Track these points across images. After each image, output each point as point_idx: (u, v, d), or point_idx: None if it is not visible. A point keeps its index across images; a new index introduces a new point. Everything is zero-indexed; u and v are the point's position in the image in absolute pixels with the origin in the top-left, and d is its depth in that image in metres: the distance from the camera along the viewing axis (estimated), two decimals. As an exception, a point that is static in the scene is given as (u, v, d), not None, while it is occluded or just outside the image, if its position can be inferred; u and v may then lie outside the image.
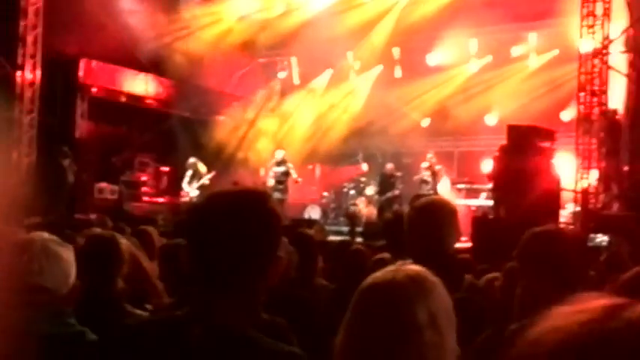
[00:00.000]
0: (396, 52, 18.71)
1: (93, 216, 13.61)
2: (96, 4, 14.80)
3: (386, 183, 16.23)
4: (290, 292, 3.77)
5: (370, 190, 17.15)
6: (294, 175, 15.58)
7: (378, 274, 1.77)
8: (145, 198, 17.15)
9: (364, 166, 18.52)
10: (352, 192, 17.79)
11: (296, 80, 20.22)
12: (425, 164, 15.63)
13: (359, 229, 13.27)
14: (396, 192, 15.94)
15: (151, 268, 4.20)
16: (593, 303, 0.77)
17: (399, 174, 16.46)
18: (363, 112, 19.21)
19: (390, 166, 16.61)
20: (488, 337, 2.85)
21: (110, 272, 3.38)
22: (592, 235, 10.58)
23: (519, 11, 16.20)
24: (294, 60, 19.99)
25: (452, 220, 3.17)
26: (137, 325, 1.89)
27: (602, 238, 10.62)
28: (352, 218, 14.88)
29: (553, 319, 0.78)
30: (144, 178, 17.53)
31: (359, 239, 10.79)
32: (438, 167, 15.57)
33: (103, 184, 15.82)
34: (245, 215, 1.79)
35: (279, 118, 19.94)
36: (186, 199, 15.02)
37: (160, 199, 17.41)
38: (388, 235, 4.42)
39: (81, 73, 16.02)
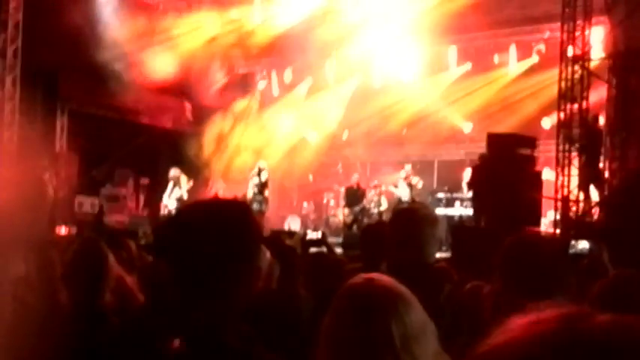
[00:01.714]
0: (374, 61, 18.76)
1: (73, 230, 13.54)
2: (75, 18, 14.74)
3: (353, 195, 16.22)
4: (271, 304, 3.74)
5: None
6: (269, 187, 15.54)
7: (351, 284, 1.76)
8: (126, 211, 17.04)
9: (344, 176, 18.50)
10: (332, 202, 17.77)
11: (275, 91, 20.22)
12: (402, 174, 15.64)
13: (339, 239, 13.26)
14: (366, 204, 15.97)
15: (130, 280, 4.17)
16: (549, 313, 0.74)
17: (375, 183, 16.55)
18: (342, 121, 19.23)
19: (355, 177, 16.65)
20: (469, 344, 2.84)
21: (98, 286, 3.35)
22: (573, 242, 10.62)
23: (499, 18, 16.29)
24: (273, 71, 20.00)
25: (432, 229, 3.16)
26: (115, 334, 1.87)
27: (583, 245, 10.66)
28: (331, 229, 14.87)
29: (508, 330, 0.75)
30: (124, 191, 17.43)
31: (338, 250, 10.76)
32: (414, 180, 15.57)
33: (83, 198, 15.70)
34: (223, 226, 1.79)
35: (259, 129, 19.91)
36: (165, 211, 14.92)
37: (141, 212, 17.31)
38: (363, 245, 4.41)
39: (60, 87, 15.93)
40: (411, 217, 3.19)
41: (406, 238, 3.10)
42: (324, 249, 7.58)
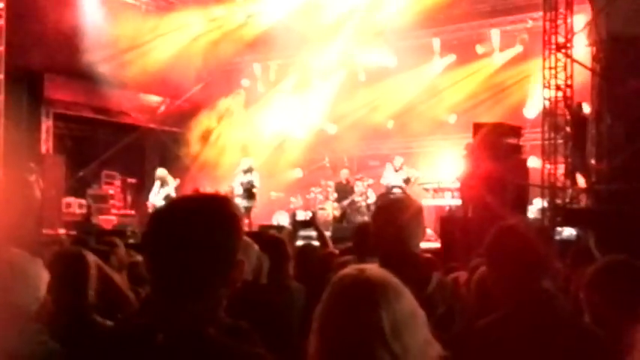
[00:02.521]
0: (359, 55, 18.80)
1: (62, 231, 13.51)
2: (59, 20, 14.69)
3: (343, 190, 16.28)
4: (262, 297, 3.77)
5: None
6: (257, 184, 15.54)
7: (343, 276, 1.78)
8: (113, 211, 17.04)
9: (330, 171, 18.51)
10: (320, 197, 17.79)
11: (260, 87, 20.21)
12: (396, 163, 15.64)
13: (328, 233, 13.24)
14: (354, 197, 16.02)
15: (119, 279, 4.19)
16: None
17: (360, 176, 16.60)
18: (328, 116, 19.25)
19: (344, 172, 16.71)
20: (458, 332, 2.87)
21: (79, 287, 3.34)
22: (560, 229, 10.69)
23: (482, 8, 16.34)
24: (257, 67, 19.99)
25: (417, 220, 3.17)
26: (101, 335, 1.88)
27: (570, 232, 10.72)
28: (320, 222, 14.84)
29: None
30: (111, 191, 17.44)
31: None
32: (411, 172, 15.55)
33: (71, 199, 15.68)
34: (205, 220, 1.78)
35: (245, 126, 19.90)
36: (152, 210, 14.91)
37: (128, 212, 17.29)
38: (356, 238, 4.43)
39: (45, 89, 15.87)
40: (394, 209, 3.21)
41: (390, 230, 3.12)
42: (314, 232, 7.63)
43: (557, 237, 9.90)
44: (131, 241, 9.41)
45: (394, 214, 3.15)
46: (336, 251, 5.62)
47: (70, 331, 2.73)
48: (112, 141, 17.06)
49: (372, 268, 1.82)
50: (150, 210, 14.95)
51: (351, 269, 1.81)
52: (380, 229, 3.19)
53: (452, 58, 17.90)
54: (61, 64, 15.34)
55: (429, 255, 4.72)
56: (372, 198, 16.06)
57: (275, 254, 4.34)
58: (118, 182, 17.77)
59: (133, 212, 17.30)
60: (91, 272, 3.42)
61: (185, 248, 1.76)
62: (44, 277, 2.53)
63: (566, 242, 8.86)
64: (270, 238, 4.70)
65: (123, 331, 1.83)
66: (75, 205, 15.68)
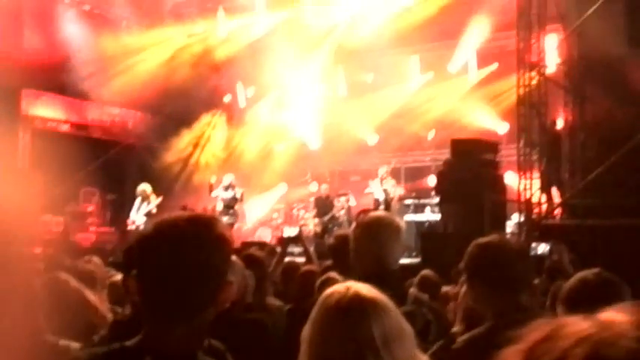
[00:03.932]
0: (339, 71, 18.95)
1: (38, 249, 13.37)
2: (38, 36, 14.64)
3: (322, 205, 16.32)
4: (247, 316, 3.78)
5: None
6: (240, 197, 15.54)
7: (332, 292, 1.83)
8: (92, 228, 16.86)
9: (313, 186, 18.54)
10: (302, 212, 17.82)
11: (242, 103, 20.24)
12: (380, 172, 15.57)
13: (311, 249, 13.23)
14: (335, 213, 16.06)
15: (97, 299, 4.15)
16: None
17: (343, 191, 16.67)
18: (309, 131, 19.33)
19: (324, 187, 16.76)
20: (441, 347, 2.93)
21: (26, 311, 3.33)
22: (534, 245, 10.80)
23: (458, 28, 16.56)
24: (238, 83, 20.03)
25: (396, 237, 3.23)
26: (87, 357, 1.88)
27: (544, 247, 10.83)
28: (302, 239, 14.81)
29: (556, 336, 0.75)
30: (90, 208, 17.24)
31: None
32: (390, 183, 15.54)
33: (48, 216, 15.51)
34: (194, 242, 1.77)
35: (226, 142, 19.91)
36: (132, 227, 14.82)
37: (108, 229, 17.15)
38: (334, 255, 4.46)
39: (23, 104, 15.76)
40: (374, 226, 3.27)
41: (370, 247, 3.18)
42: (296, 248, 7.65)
43: (532, 252, 9.99)
44: (111, 259, 9.32)
45: (373, 231, 3.21)
46: (316, 268, 5.65)
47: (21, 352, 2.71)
48: (91, 157, 16.95)
49: (358, 284, 1.87)
50: (130, 227, 14.86)
51: (337, 286, 1.87)
52: (360, 246, 3.24)
53: (430, 75, 18.09)
54: (39, 80, 15.24)
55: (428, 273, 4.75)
56: (352, 213, 16.06)
57: (256, 273, 4.36)
58: (96, 199, 17.60)
59: (112, 229, 17.15)
60: (37, 293, 3.39)
61: (174, 270, 1.75)
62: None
63: (542, 257, 8.96)
64: (248, 256, 4.71)
65: (107, 353, 1.82)
66: (52, 223, 15.52)
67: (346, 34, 17.96)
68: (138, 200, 15.10)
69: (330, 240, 5.33)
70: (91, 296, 4.07)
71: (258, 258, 4.64)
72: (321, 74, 18.79)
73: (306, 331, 1.82)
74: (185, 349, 1.77)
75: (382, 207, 14.69)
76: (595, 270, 2.95)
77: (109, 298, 4.73)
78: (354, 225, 3.57)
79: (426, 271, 5.73)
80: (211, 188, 16.07)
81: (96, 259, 5.65)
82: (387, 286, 1.94)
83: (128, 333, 1.84)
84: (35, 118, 16.19)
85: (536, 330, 0.78)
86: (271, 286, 5.54)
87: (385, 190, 15.14)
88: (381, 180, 15.31)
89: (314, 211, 16.67)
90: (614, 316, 0.75)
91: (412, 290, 3.25)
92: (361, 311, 1.75)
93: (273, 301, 4.66)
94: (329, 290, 1.85)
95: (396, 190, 15.43)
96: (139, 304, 1.89)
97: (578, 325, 0.75)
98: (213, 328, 1.88)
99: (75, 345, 3.45)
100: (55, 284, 3.69)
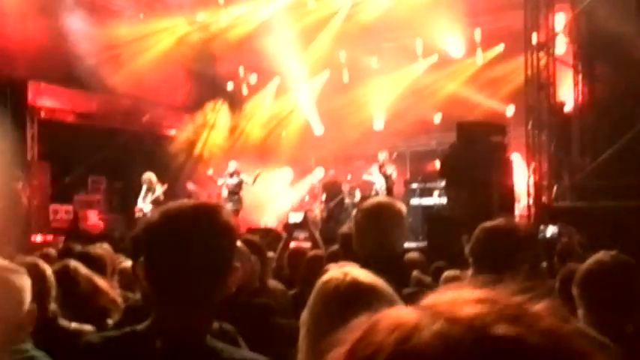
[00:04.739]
0: (342, 56, 18.87)
1: (50, 238, 13.46)
2: (42, 27, 14.63)
3: (331, 190, 16.32)
4: (254, 301, 3.79)
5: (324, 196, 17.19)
6: (249, 182, 15.61)
7: (329, 278, 1.82)
8: (101, 216, 16.97)
9: (318, 171, 18.53)
10: (307, 198, 17.82)
11: (245, 90, 20.22)
12: (380, 159, 15.56)
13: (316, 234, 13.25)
14: (342, 197, 16.07)
15: (107, 284, 4.17)
16: (406, 315, 0.72)
17: (348, 178, 16.66)
18: (313, 117, 19.30)
19: (331, 173, 16.78)
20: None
21: (38, 297, 3.36)
22: (542, 227, 10.74)
23: (463, 8, 16.40)
24: (241, 71, 19.99)
25: (399, 222, 3.22)
26: (100, 341, 1.90)
27: (552, 230, 10.78)
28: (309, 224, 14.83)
29: (371, 331, 0.74)
30: (98, 196, 17.36)
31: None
32: (389, 168, 15.50)
33: (58, 205, 15.64)
34: (201, 230, 1.81)
35: (230, 129, 19.91)
36: (139, 214, 14.88)
37: (116, 216, 17.25)
38: (343, 241, 4.46)
39: (30, 96, 15.79)
40: (377, 211, 3.26)
41: (373, 232, 3.17)
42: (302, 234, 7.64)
43: (541, 235, 9.94)
44: (120, 245, 9.36)
45: (377, 217, 3.20)
46: (323, 253, 5.66)
47: (38, 337, 2.73)
48: (97, 146, 17.00)
49: (355, 270, 1.87)
50: (137, 214, 14.92)
51: (334, 272, 1.86)
52: (362, 231, 3.24)
53: (434, 58, 17.97)
54: (45, 71, 15.25)
55: (414, 255, 4.75)
56: (357, 197, 16.09)
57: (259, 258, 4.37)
58: (104, 187, 17.71)
59: (120, 217, 17.25)
60: (47, 282, 3.40)
61: (182, 257, 1.79)
62: (28, 287, 2.53)
63: (552, 240, 8.93)
64: (246, 241, 4.71)
65: (120, 337, 1.85)
66: (62, 212, 15.65)
67: (349, 18, 17.86)
68: (144, 188, 15.16)
69: (344, 229, 5.32)
70: (101, 282, 4.11)
71: (256, 243, 4.65)
72: (324, 59, 18.71)
73: (304, 316, 1.82)
74: (195, 332, 1.80)
75: (383, 192, 14.65)
76: (611, 252, 2.93)
77: (120, 283, 4.77)
78: (355, 211, 3.56)
79: (411, 254, 5.74)
80: (211, 180, 16.16)
81: (106, 246, 5.68)
82: (390, 270, 1.93)
83: (141, 318, 1.88)
84: (42, 109, 16.22)
85: (355, 329, 0.77)
86: (277, 271, 5.57)
87: (386, 175, 15.10)
88: (381, 165, 15.28)
89: (323, 197, 16.69)
90: (435, 299, 0.74)
91: (415, 273, 3.25)
92: (359, 297, 1.75)
93: (275, 284, 4.67)
94: (326, 276, 1.85)
95: (393, 173, 15.38)
96: (147, 290, 1.92)
97: (395, 315, 0.74)
98: (221, 312, 1.91)
99: (88, 327, 3.48)
100: (65, 271, 3.72)
